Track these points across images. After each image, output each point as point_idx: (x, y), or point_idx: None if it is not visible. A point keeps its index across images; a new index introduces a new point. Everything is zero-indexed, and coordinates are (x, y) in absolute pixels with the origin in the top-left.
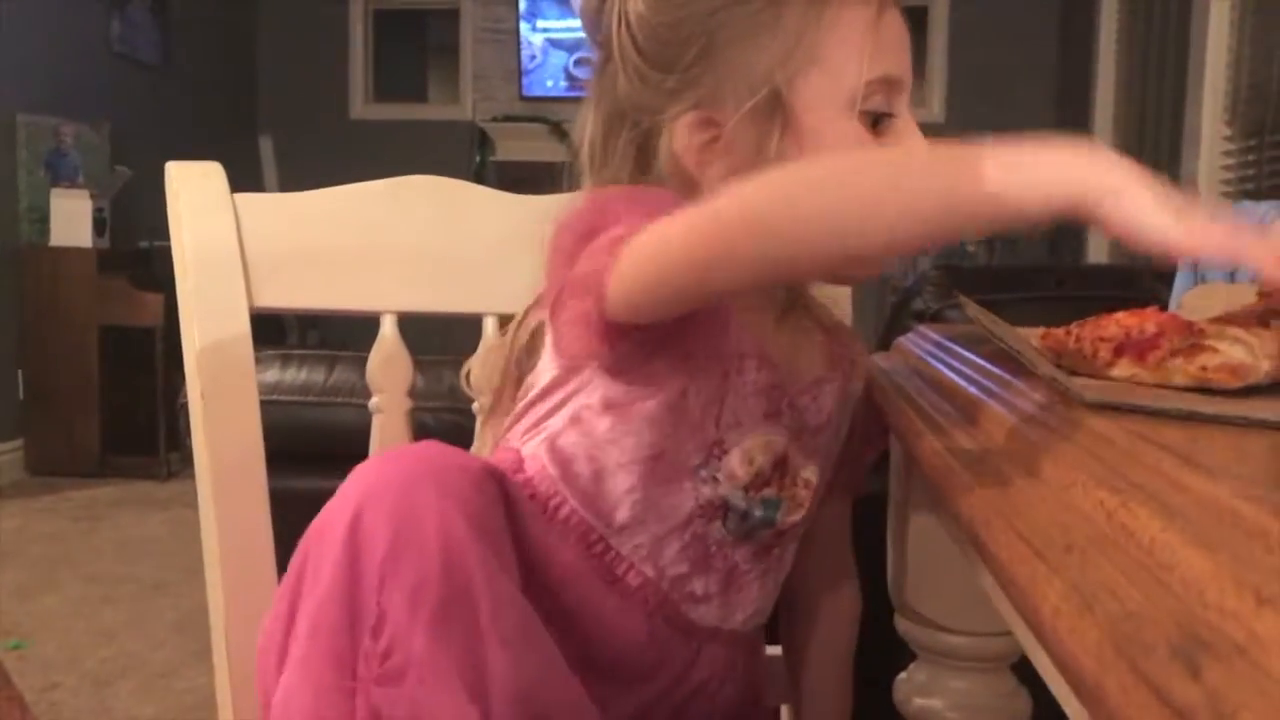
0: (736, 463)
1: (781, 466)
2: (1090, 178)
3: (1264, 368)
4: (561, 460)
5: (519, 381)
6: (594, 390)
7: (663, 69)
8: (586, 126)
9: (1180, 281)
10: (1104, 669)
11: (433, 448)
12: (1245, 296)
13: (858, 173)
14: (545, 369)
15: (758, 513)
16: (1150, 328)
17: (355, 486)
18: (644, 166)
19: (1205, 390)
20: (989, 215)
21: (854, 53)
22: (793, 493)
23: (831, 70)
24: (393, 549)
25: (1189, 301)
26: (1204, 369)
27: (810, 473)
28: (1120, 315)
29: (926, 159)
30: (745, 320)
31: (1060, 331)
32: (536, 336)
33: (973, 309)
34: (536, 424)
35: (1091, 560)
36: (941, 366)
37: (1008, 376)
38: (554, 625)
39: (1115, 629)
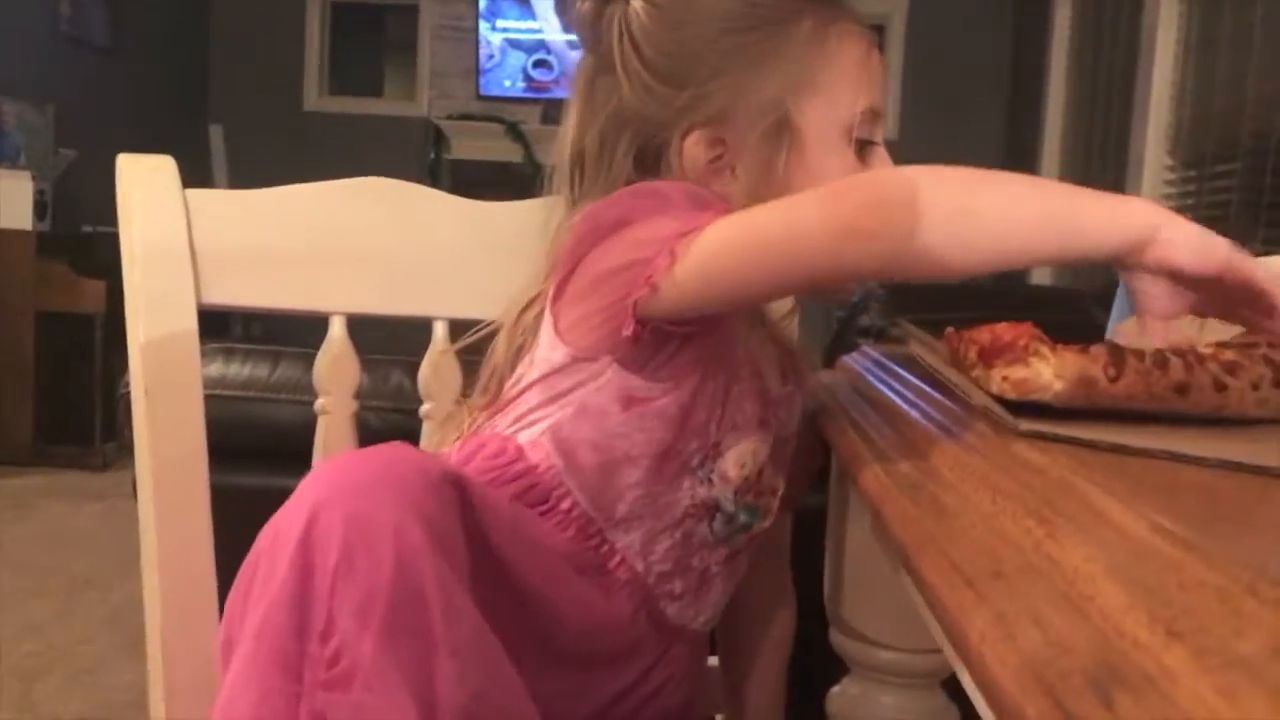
0: (731, 465)
1: (762, 475)
2: (1148, 216)
3: (1055, 388)
4: (567, 450)
5: (510, 374)
6: (607, 381)
7: (673, 85)
8: (572, 133)
9: (1117, 309)
10: (1024, 695)
11: (391, 451)
12: (1184, 326)
13: (1018, 200)
14: (545, 358)
15: (742, 517)
16: (1008, 337)
17: (312, 489)
18: (642, 175)
19: (1025, 403)
20: (1084, 249)
21: (851, 84)
22: (767, 501)
23: (832, 99)
24: (345, 555)
25: (1123, 329)
26: (1005, 379)
27: (779, 482)
28: (1000, 325)
29: (1042, 192)
30: (741, 328)
31: (953, 334)
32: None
33: (917, 344)
34: (530, 412)
35: (1018, 588)
36: (883, 388)
37: (946, 402)
38: (538, 614)
39: (1036, 657)
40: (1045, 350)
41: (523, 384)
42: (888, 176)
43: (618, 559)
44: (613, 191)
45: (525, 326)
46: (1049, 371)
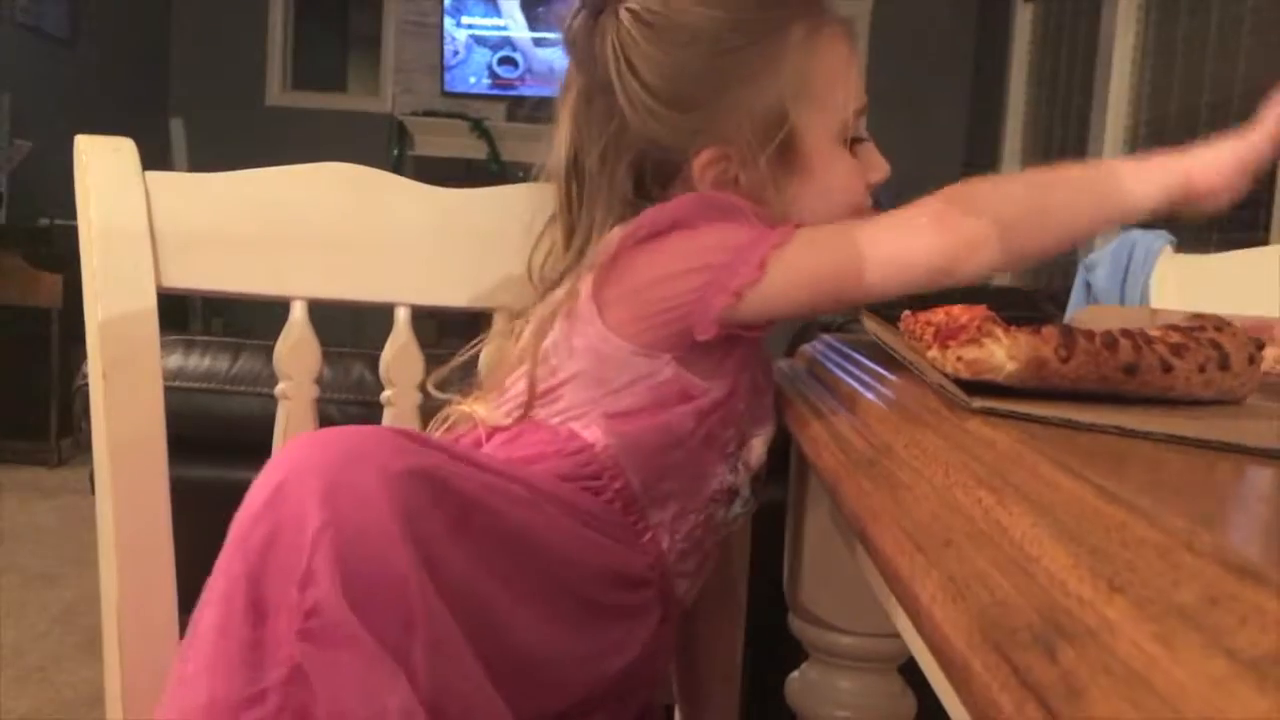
0: (753, 453)
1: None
2: (1180, 164)
3: (1007, 368)
4: (624, 434)
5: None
6: (668, 378)
7: (678, 109)
8: (565, 148)
9: (1073, 302)
10: (971, 651)
11: (364, 427)
12: (1138, 317)
13: (1053, 192)
14: (591, 348)
15: (751, 501)
16: (963, 319)
17: (300, 451)
18: (642, 193)
19: (978, 383)
20: (1129, 214)
21: (842, 86)
22: (757, 488)
23: (827, 104)
24: (333, 519)
25: (1080, 318)
26: (959, 359)
27: (763, 470)
28: (956, 307)
29: (1086, 178)
30: None
31: (910, 315)
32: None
33: (871, 321)
34: (578, 403)
35: (967, 554)
36: (840, 372)
37: (901, 383)
38: (547, 559)
39: (983, 616)
40: (999, 331)
41: (561, 375)
42: (973, 200)
43: (649, 535)
44: (615, 209)
45: (548, 322)
46: (1002, 352)
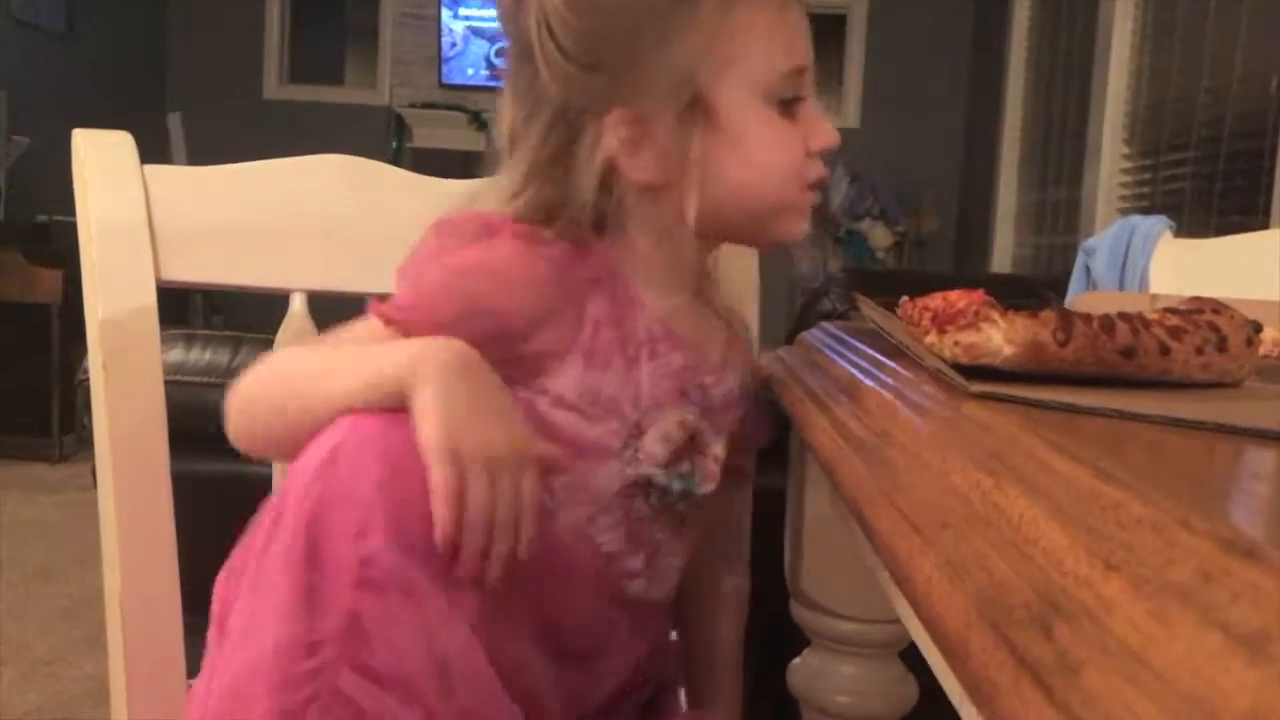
0: (654, 442)
1: (693, 442)
2: (415, 367)
3: (1005, 352)
4: None
5: None
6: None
7: (588, 69)
8: (506, 118)
9: (1073, 288)
10: (968, 631)
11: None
12: (1138, 302)
13: (318, 372)
14: None
15: (676, 486)
16: (961, 304)
17: (350, 419)
18: (568, 159)
19: (976, 367)
20: (398, 394)
21: (765, 49)
22: (704, 466)
23: (747, 67)
24: (389, 477)
25: (1080, 303)
26: (956, 344)
27: (719, 448)
28: (953, 293)
29: (360, 357)
30: (657, 304)
31: (908, 301)
32: None
33: (867, 307)
34: None
35: (965, 536)
36: (839, 359)
37: (899, 369)
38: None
39: (980, 596)
40: (996, 315)
41: None
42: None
43: (566, 542)
44: (530, 172)
45: None
46: (999, 336)
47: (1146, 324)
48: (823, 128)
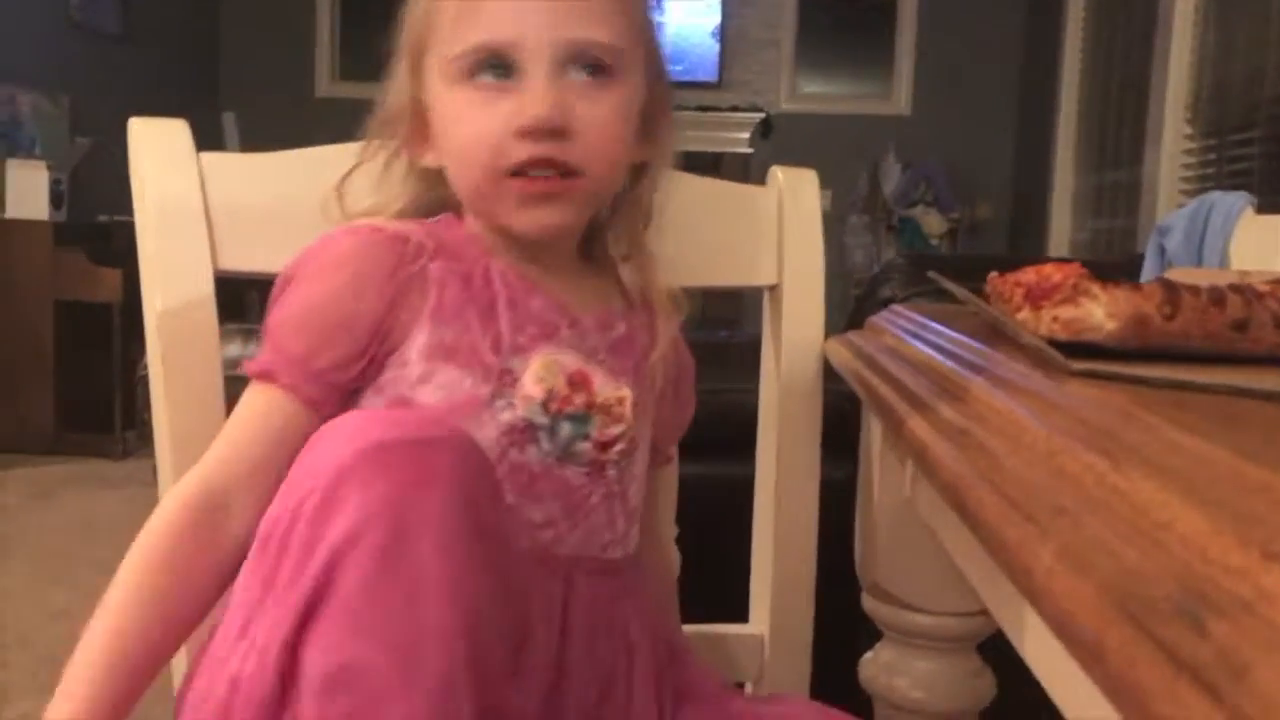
0: (529, 383)
1: (581, 384)
2: None
3: (1107, 327)
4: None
5: None
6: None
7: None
8: None
9: (1147, 268)
10: (1104, 624)
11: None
12: (1227, 278)
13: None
14: None
15: (566, 428)
16: (1056, 278)
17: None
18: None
19: (1074, 345)
20: None
21: (449, 31)
22: (605, 408)
23: (436, 51)
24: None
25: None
26: (1054, 320)
27: (623, 391)
28: (1047, 266)
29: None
30: (512, 266)
31: (997, 277)
32: None
33: (949, 284)
34: None
35: (1084, 522)
36: (916, 341)
37: (986, 348)
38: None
39: (1113, 586)
40: (1095, 289)
41: None
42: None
43: None
44: (381, 175)
45: None
46: (1100, 311)
47: (1259, 296)
48: (524, 103)
